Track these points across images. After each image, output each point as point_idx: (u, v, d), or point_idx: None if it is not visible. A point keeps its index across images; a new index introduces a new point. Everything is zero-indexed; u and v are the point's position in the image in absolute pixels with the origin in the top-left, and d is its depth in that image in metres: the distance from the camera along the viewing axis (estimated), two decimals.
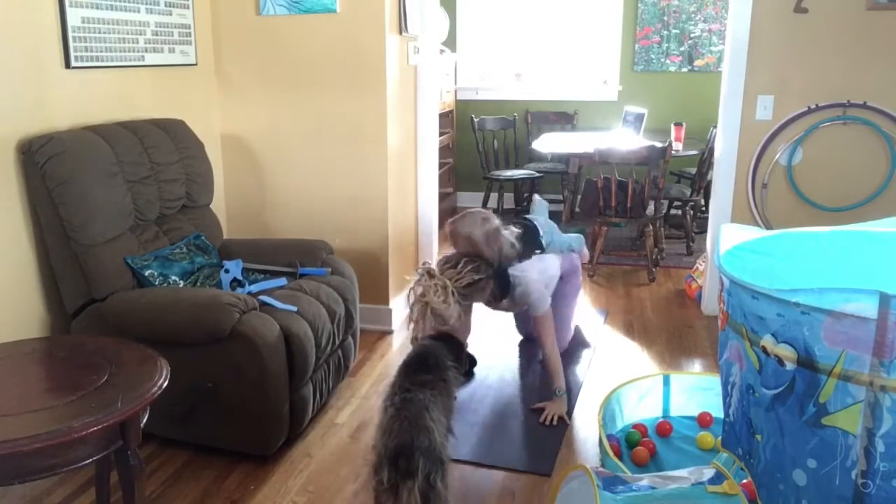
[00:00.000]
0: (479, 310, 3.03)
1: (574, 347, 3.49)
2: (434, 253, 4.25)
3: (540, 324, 2.96)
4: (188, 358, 2.41)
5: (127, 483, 1.86)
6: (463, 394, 3.06)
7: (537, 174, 5.92)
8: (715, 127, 4.18)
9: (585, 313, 3.95)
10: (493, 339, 3.65)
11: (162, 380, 1.88)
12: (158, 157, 2.84)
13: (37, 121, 2.57)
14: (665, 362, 3.39)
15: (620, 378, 3.13)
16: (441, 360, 2.31)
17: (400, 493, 1.87)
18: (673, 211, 5.54)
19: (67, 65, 2.67)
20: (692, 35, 6.02)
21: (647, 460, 2.51)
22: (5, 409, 1.73)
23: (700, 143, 5.19)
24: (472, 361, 3.17)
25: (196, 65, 3.44)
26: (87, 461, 1.75)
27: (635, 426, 2.74)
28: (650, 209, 4.65)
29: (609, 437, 2.55)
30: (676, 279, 4.62)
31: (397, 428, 1.96)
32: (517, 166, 6.25)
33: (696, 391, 2.85)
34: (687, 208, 5.12)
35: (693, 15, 5.98)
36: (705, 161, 4.86)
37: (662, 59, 6.11)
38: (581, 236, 3.55)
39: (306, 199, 3.67)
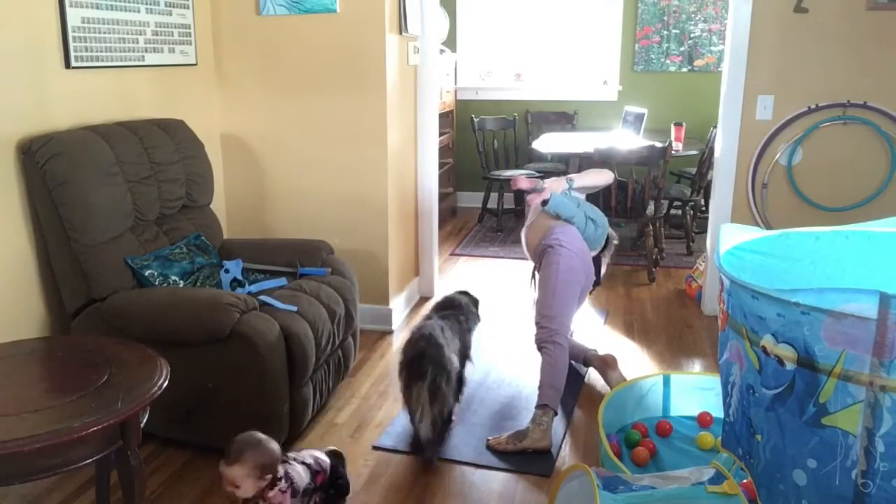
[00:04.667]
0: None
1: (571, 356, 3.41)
2: (435, 253, 4.25)
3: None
4: (188, 358, 2.40)
5: (127, 483, 1.86)
6: (463, 395, 3.07)
7: (537, 174, 5.91)
8: (715, 127, 4.18)
9: (585, 313, 3.95)
10: (493, 340, 3.65)
11: (162, 380, 1.88)
12: (158, 157, 2.84)
13: (37, 121, 2.57)
14: (665, 362, 3.39)
15: None
16: (463, 302, 2.96)
17: (412, 391, 2.49)
18: (673, 211, 5.54)
19: (67, 65, 2.67)
20: (692, 35, 6.02)
21: (647, 460, 2.51)
22: (5, 409, 1.73)
23: (700, 143, 5.19)
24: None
25: (196, 65, 3.44)
26: (87, 461, 1.75)
27: (635, 426, 2.74)
28: (650, 209, 4.65)
29: (609, 437, 2.55)
30: (676, 279, 4.62)
31: (414, 342, 2.57)
32: (517, 166, 6.25)
33: (696, 391, 2.85)
34: (687, 208, 5.12)
35: (693, 15, 5.98)
36: (705, 161, 4.86)
37: (662, 59, 6.11)
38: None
39: (306, 199, 3.67)
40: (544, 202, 3.15)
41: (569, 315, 2.97)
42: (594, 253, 3.20)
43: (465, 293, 3.07)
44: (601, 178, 3.36)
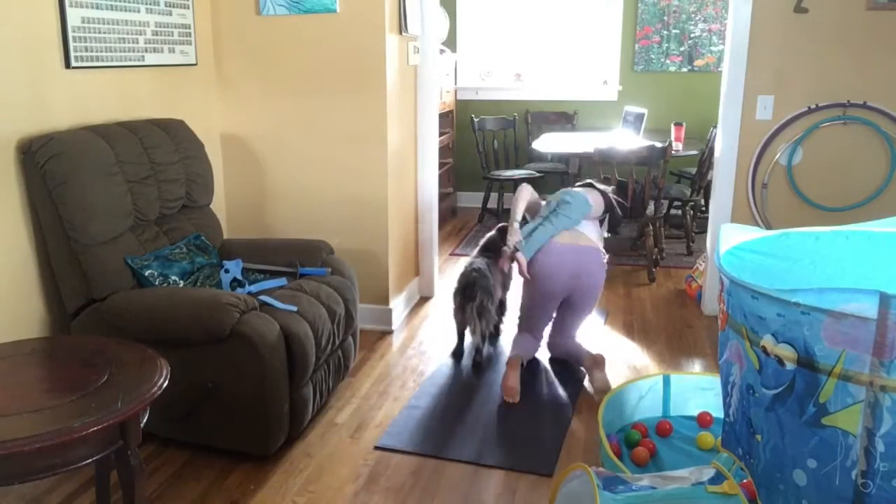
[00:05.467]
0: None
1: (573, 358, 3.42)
2: (435, 253, 4.25)
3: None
4: (188, 358, 2.41)
5: (127, 483, 1.86)
6: (464, 395, 3.07)
7: (537, 174, 5.92)
8: (715, 127, 4.18)
9: None
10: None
11: (162, 380, 1.88)
12: (158, 157, 2.84)
13: (37, 121, 2.57)
14: (665, 362, 3.39)
15: (620, 378, 3.14)
16: (501, 246, 3.39)
17: (465, 310, 3.25)
18: (673, 211, 5.54)
19: (67, 65, 2.67)
20: (692, 35, 6.02)
21: (647, 460, 2.51)
22: (5, 409, 1.72)
23: (700, 143, 5.19)
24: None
25: (196, 65, 3.44)
26: (87, 461, 1.75)
27: (635, 426, 2.74)
28: (650, 209, 4.65)
29: (609, 437, 2.55)
30: (676, 279, 4.62)
31: (467, 273, 3.28)
32: (517, 166, 6.25)
33: (696, 391, 2.86)
34: (687, 208, 5.12)
35: (693, 15, 5.98)
36: (705, 161, 4.86)
37: (662, 59, 6.11)
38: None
39: (306, 199, 3.67)
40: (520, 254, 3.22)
41: (535, 317, 3.32)
42: (597, 215, 3.40)
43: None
44: (522, 197, 3.38)
